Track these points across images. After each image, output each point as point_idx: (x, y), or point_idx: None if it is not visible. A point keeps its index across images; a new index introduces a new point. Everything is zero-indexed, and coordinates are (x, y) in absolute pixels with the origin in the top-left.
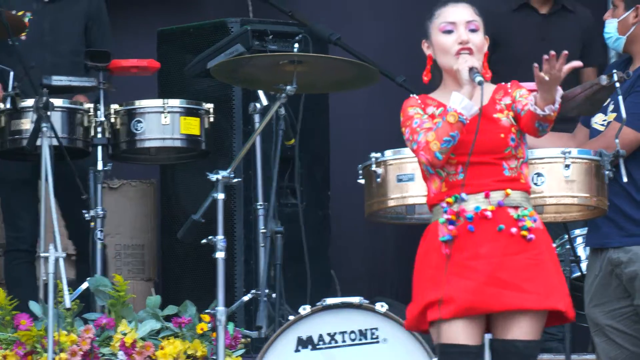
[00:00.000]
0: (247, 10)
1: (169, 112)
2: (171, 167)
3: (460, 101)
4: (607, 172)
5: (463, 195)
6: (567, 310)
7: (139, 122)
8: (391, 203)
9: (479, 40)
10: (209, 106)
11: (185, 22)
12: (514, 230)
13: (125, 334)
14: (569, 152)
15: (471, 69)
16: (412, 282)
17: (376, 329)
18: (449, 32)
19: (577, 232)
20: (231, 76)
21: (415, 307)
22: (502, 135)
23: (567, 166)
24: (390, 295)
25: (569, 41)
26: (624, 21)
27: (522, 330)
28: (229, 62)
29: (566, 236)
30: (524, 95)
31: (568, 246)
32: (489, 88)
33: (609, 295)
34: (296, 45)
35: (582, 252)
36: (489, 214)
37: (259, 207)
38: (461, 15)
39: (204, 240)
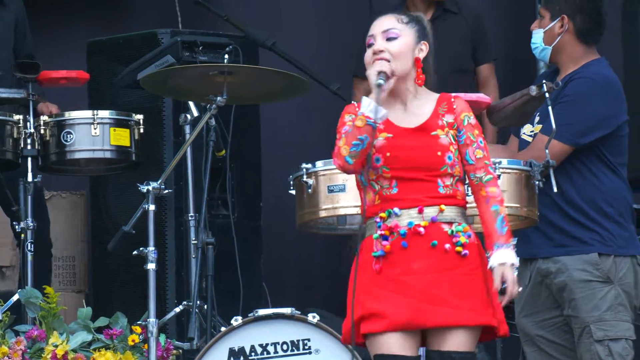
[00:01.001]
0: (177, 21)
1: (98, 124)
2: (101, 179)
3: (368, 105)
4: (537, 183)
5: (396, 210)
6: (500, 326)
7: (69, 133)
8: (322, 214)
9: (397, 48)
10: (139, 117)
11: (115, 33)
12: (447, 246)
13: (56, 346)
14: (499, 163)
15: (379, 73)
16: (345, 293)
17: (308, 339)
18: (371, 45)
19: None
20: (161, 87)
21: (347, 322)
22: (439, 154)
23: (498, 177)
24: (321, 306)
25: (456, 43)
26: (549, 31)
27: (457, 342)
28: (159, 73)
29: None
30: (475, 134)
31: None
32: (431, 97)
33: (539, 305)
34: (226, 56)
35: None
36: (421, 229)
37: (190, 218)
38: (379, 26)
39: (135, 252)
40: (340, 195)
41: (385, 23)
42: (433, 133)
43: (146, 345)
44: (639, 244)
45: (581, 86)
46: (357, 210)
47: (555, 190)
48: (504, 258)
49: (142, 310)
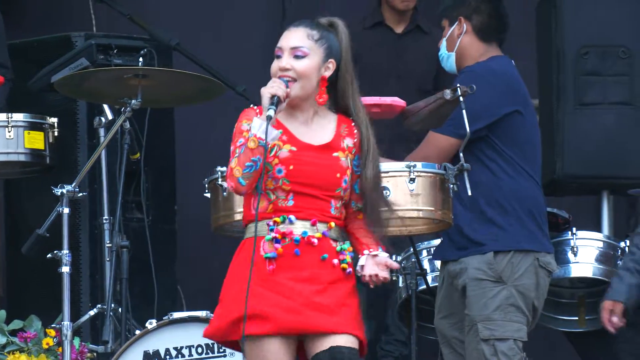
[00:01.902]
0: (91, 24)
1: (12, 127)
2: (15, 182)
3: (259, 126)
4: (451, 186)
5: (292, 217)
6: (363, 339)
7: None
8: (237, 217)
9: (303, 67)
10: (54, 120)
11: (29, 36)
12: (335, 261)
13: None
14: (414, 166)
15: (273, 97)
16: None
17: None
18: (279, 57)
19: (423, 245)
20: (76, 90)
21: (224, 317)
22: (338, 175)
23: (412, 180)
24: None
25: (423, 61)
26: (450, 37)
27: (341, 341)
28: (74, 76)
29: (412, 249)
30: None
31: (414, 259)
32: (332, 117)
33: (453, 307)
34: (141, 59)
35: (427, 264)
36: (315, 240)
37: (104, 221)
38: (288, 41)
39: (49, 255)
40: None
41: (295, 39)
42: (335, 154)
43: (60, 349)
44: (541, 242)
45: (463, 79)
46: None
47: (469, 193)
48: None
49: (57, 313)
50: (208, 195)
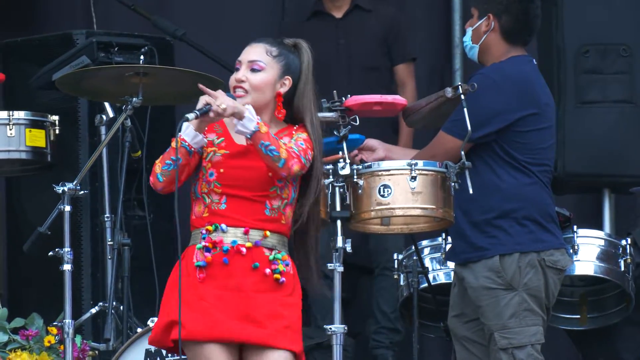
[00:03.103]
0: (92, 22)
1: (14, 124)
2: (17, 180)
3: (185, 129)
4: (453, 184)
5: (223, 226)
6: (297, 351)
7: None
8: None
9: (257, 81)
10: (55, 118)
11: (30, 34)
12: (267, 270)
13: None
14: (415, 164)
15: (206, 105)
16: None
17: None
18: (237, 69)
19: (425, 243)
20: (77, 88)
21: (157, 324)
22: (270, 175)
23: (414, 178)
24: None
25: (367, 39)
26: (477, 30)
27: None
28: (75, 74)
29: (413, 247)
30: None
31: (415, 257)
32: (280, 127)
33: (464, 306)
34: (142, 57)
35: (429, 263)
36: (243, 250)
37: (105, 219)
38: (247, 55)
39: (50, 253)
40: None
41: (253, 53)
42: None
43: (62, 346)
44: (545, 240)
45: (474, 82)
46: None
47: (471, 191)
48: None
49: (58, 311)
50: None
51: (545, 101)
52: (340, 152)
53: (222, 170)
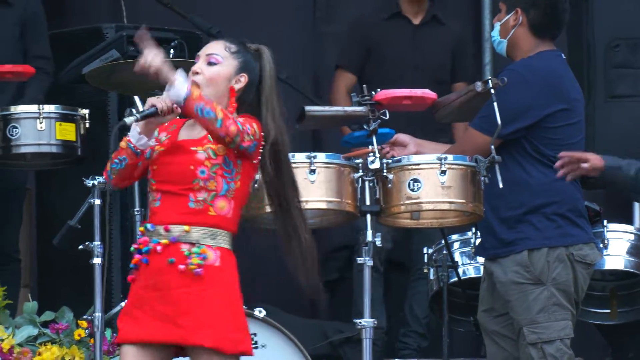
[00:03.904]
0: (122, 16)
1: (44, 118)
2: (47, 173)
3: (132, 130)
4: (482, 178)
5: (149, 225)
6: (220, 347)
7: (15, 127)
8: (268, 209)
9: (211, 73)
10: (85, 112)
11: (60, 27)
12: (181, 266)
13: (2, 340)
14: (445, 158)
15: (152, 106)
16: (289, 289)
17: (255, 334)
18: (195, 63)
19: (455, 237)
20: (106, 82)
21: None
22: (192, 167)
23: (443, 172)
24: (267, 301)
25: (439, 51)
26: (505, 24)
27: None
28: (104, 67)
29: (443, 241)
30: None
31: (445, 252)
32: None
33: (493, 301)
34: (171, 51)
35: (458, 257)
36: (159, 248)
37: (135, 212)
38: (206, 49)
39: (80, 246)
40: None
41: (212, 47)
42: (192, 148)
43: (92, 340)
44: (574, 235)
45: (502, 78)
46: (303, 205)
47: (500, 185)
48: None
49: (88, 305)
50: None
51: (574, 96)
52: (370, 146)
53: (155, 167)
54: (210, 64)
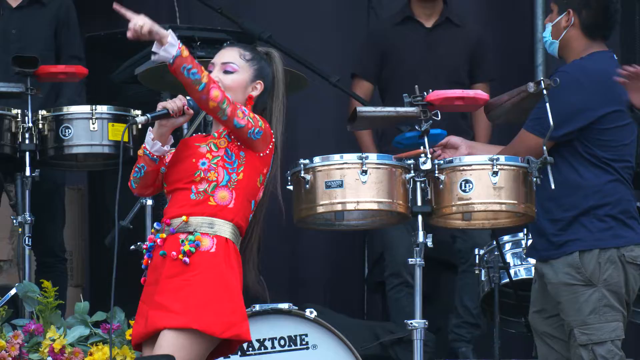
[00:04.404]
0: (175, 16)
1: (97, 119)
2: (99, 174)
3: (147, 136)
4: (534, 179)
5: (155, 224)
6: (206, 330)
7: (67, 128)
8: (320, 209)
9: (229, 81)
10: (137, 112)
11: (113, 28)
12: (174, 254)
13: (54, 340)
14: (497, 159)
15: (163, 109)
16: (339, 288)
17: (306, 335)
18: (210, 72)
19: (506, 238)
20: (159, 82)
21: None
22: (193, 160)
23: (495, 173)
24: (317, 301)
25: (454, 53)
26: (557, 25)
27: (164, 345)
28: (157, 68)
29: (494, 242)
30: None
31: (497, 252)
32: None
33: (545, 302)
34: None
35: (510, 258)
36: (159, 242)
37: None
38: (220, 57)
39: (132, 247)
40: (337, 191)
41: (227, 55)
42: (196, 144)
43: None
44: (626, 236)
45: (555, 80)
46: (355, 206)
47: (552, 187)
48: None
49: None
50: (291, 187)
51: (627, 97)
52: (422, 147)
53: (163, 169)
54: (226, 72)
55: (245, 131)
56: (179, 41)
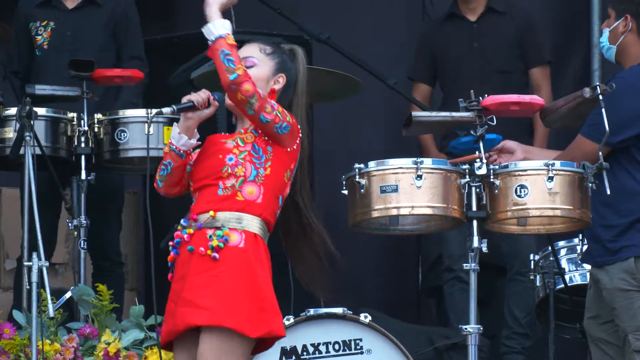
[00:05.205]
0: (231, 20)
1: (152, 122)
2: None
3: (173, 131)
4: (590, 185)
5: (182, 221)
6: (239, 329)
7: (123, 131)
8: (375, 214)
9: (251, 76)
10: None
11: (169, 32)
12: (202, 249)
13: (108, 344)
14: (552, 165)
15: (188, 102)
16: (394, 294)
17: (360, 339)
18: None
19: (561, 243)
20: (215, 86)
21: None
22: (220, 156)
23: (551, 178)
24: (372, 306)
25: (501, 43)
26: (614, 30)
27: (202, 347)
28: (213, 72)
29: (549, 248)
30: None
31: (552, 258)
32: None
33: (600, 308)
34: None
35: (565, 264)
36: (186, 237)
37: None
38: (241, 53)
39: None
40: (392, 195)
41: (246, 51)
42: (222, 140)
43: None
44: None
45: (612, 84)
46: (409, 211)
47: (608, 192)
48: None
49: None
50: (345, 192)
51: None
52: (477, 152)
53: (188, 168)
54: (247, 67)
55: (271, 126)
56: (230, 32)
